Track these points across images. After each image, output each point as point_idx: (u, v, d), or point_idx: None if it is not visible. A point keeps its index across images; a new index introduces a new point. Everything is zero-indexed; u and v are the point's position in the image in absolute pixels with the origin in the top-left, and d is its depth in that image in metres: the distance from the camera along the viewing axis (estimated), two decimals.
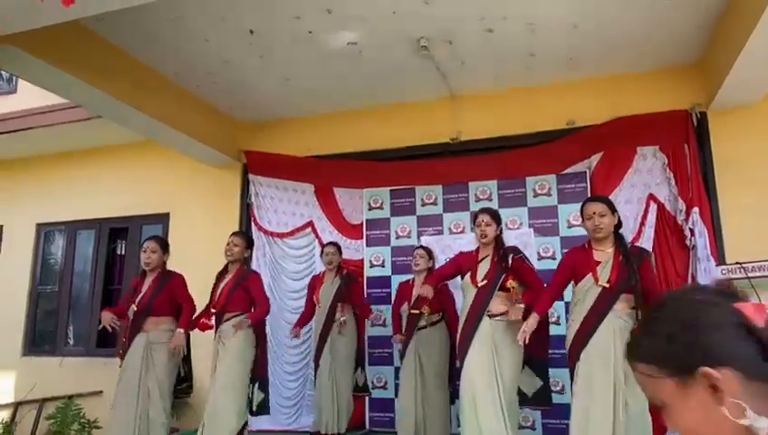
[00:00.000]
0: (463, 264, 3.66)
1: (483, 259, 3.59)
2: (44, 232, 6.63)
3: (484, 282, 3.48)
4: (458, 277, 3.79)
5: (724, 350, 0.78)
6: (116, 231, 6.38)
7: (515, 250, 3.61)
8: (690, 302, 0.86)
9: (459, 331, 3.52)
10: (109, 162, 6.38)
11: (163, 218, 6.04)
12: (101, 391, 5.69)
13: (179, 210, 5.97)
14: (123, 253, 6.38)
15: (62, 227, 6.53)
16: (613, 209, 3.25)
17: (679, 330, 0.82)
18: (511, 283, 3.45)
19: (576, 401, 3.06)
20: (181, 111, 5.03)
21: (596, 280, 3.11)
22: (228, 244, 4.12)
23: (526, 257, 3.64)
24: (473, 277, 3.55)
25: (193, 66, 4.69)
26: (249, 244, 4.26)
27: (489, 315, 3.44)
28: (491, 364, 3.35)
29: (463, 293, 3.68)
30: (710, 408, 0.78)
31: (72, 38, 3.89)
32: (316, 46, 4.35)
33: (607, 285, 3.07)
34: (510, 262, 3.47)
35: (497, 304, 3.47)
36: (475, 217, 3.71)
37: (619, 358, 2.94)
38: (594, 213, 3.20)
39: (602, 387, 2.96)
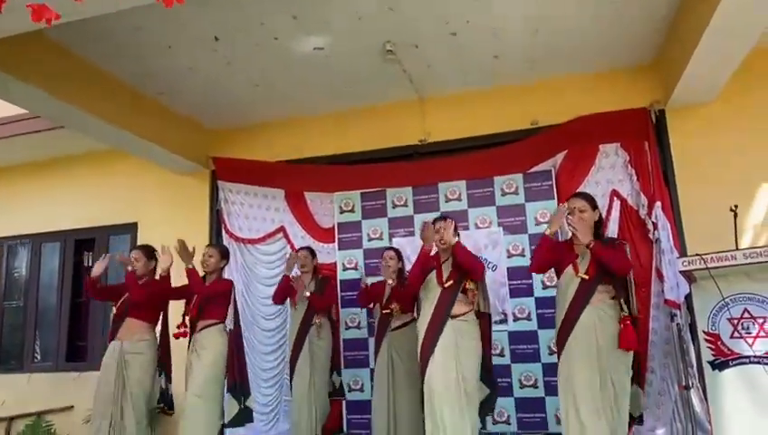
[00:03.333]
0: (428, 260, 3.72)
1: (445, 261, 3.66)
2: (7, 246, 6.47)
3: (450, 283, 3.55)
4: None
5: None
6: (82, 243, 6.26)
7: None
8: None
9: (423, 332, 3.55)
10: (73, 172, 6.26)
11: (131, 228, 5.95)
12: (72, 407, 5.58)
13: (147, 220, 5.89)
14: (90, 264, 6.25)
15: (26, 240, 6.38)
16: (594, 205, 3.36)
17: None
18: (469, 284, 3.52)
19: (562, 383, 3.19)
20: (147, 118, 4.97)
21: (576, 271, 3.21)
22: (204, 255, 4.13)
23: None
24: (438, 276, 3.61)
25: (157, 74, 4.64)
26: (224, 255, 4.26)
27: (451, 316, 3.51)
28: (453, 367, 3.41)
29: (424, 293, 3.70)
30: None
31: (31, 48, 3.82)
32: (283, 52, 4.36)
33: (586, 277, 3.17)
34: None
35: (458, 305, 3.54)
36: (433, 224, 3.77)
37: (601, 344, 3.08)
38: (575, 208, 3.31)
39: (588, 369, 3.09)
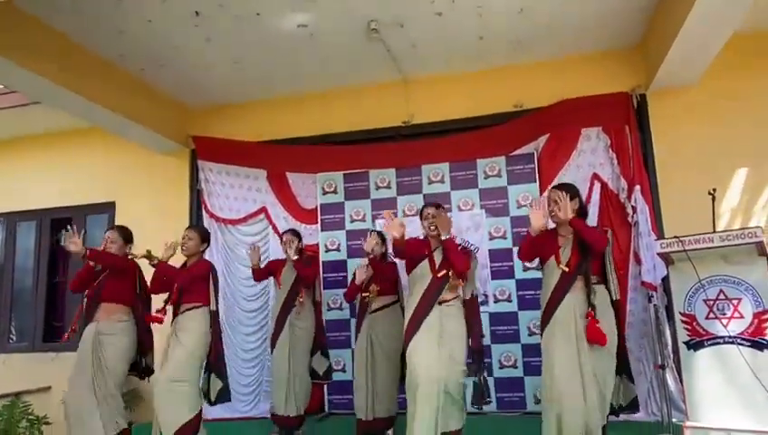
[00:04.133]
0: (419, 248, 3.73)
1: (436, 249, 3.66)
2: None
3: (443, 272, 3.54)
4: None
5: None
6: (58, 222, 6.13)
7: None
8: None
9: (409, 317, 3.55)
10: (49, 150, 6.12)
11: (108, 208, 5.87)
12: (50, 387, 5.52)
13: (125, 199, 5.80)
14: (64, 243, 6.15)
15: (1, 219, 6.25)
16: (573, 196, 3.31)
17: None
18: (453, 278, 3.55)
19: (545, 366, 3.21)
20: (125, 95, 4.87)
21: (558, 262, 3.24)
22: (183, 238, 4.02)
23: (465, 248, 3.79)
24: (432, 265, 3.60)
25: (137, 49, 4.54)
26: (204, 237, 4.14)
27: (438, 302, 3.52)
28: (436, 349, 3.42)
29: (414, 280, 3.69)
30: None
31: (3, 20, 3.70)
32: (265, 29, 4.29)
33: (566, 269, 3.19)
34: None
35: (444, 292, 3.56)
36: (421, 210, 3.76)
37: (580, 329, 3.08)
38: (552, 199, 3.31)
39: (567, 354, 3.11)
